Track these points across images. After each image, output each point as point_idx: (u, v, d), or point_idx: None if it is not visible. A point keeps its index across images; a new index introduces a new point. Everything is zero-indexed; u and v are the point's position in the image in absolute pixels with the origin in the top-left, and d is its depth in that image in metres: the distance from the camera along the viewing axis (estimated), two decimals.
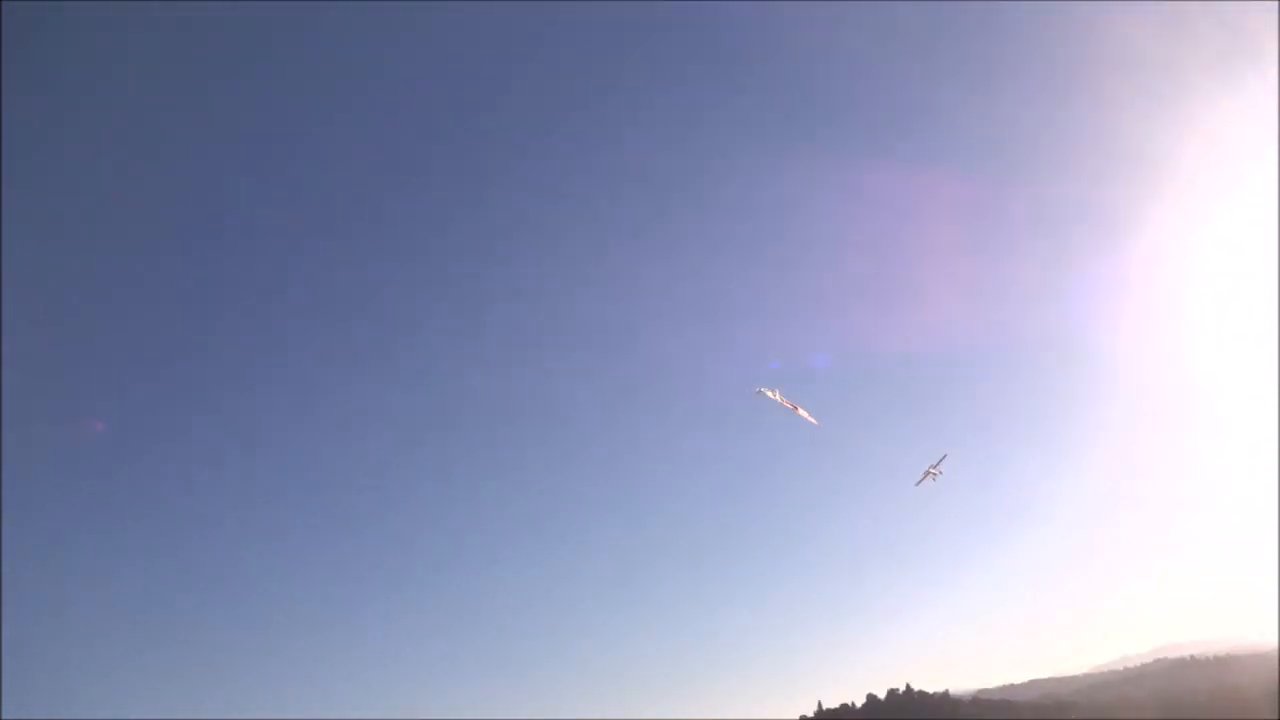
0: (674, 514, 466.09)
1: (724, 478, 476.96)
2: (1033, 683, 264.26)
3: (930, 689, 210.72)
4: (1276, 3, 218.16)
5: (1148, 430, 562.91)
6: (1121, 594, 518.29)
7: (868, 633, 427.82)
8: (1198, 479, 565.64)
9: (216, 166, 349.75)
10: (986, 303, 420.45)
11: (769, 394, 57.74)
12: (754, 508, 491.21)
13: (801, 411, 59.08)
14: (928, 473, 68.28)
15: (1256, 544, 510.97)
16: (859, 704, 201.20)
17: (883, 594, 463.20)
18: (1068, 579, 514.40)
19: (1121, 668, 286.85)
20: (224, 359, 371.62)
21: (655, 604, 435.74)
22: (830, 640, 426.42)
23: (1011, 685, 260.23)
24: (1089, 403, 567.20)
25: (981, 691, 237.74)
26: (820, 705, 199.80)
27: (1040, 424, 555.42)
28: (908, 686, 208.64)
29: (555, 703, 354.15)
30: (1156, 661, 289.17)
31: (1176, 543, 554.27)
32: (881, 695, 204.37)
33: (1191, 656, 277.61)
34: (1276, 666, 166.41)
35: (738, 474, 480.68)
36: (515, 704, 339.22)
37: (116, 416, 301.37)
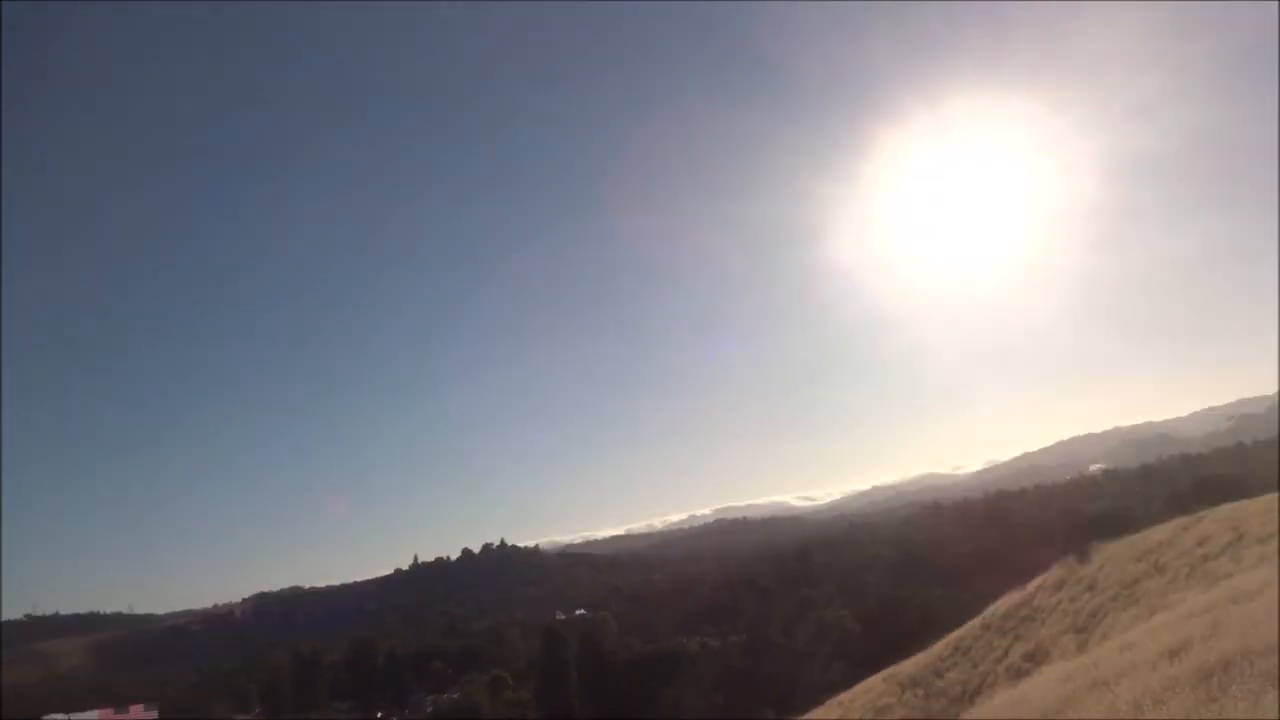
0: None
1: None
2: (613, 539, 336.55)
3: (522, 544, 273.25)
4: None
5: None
6: (686, 464, 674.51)
7: (465, 490, 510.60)
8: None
9: None
10: None
11: None
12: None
13: None
14: None
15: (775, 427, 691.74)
16: (454, 557, 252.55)
17: (474, 450, 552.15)
18: (643, 447, 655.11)
19: (688, 526, 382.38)
20: None
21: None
22: (426, 495, 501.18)
23: (594, 540, 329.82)
24: None
25: (568, 546, 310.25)
26: (416, 558, 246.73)
27: None
28: (502, 541, 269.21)
29: None
30: (717, 521, 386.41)
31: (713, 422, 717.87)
32: (476, 549, 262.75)
33: (744, 518, 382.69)
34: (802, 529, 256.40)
35: None
36: None
37: None
